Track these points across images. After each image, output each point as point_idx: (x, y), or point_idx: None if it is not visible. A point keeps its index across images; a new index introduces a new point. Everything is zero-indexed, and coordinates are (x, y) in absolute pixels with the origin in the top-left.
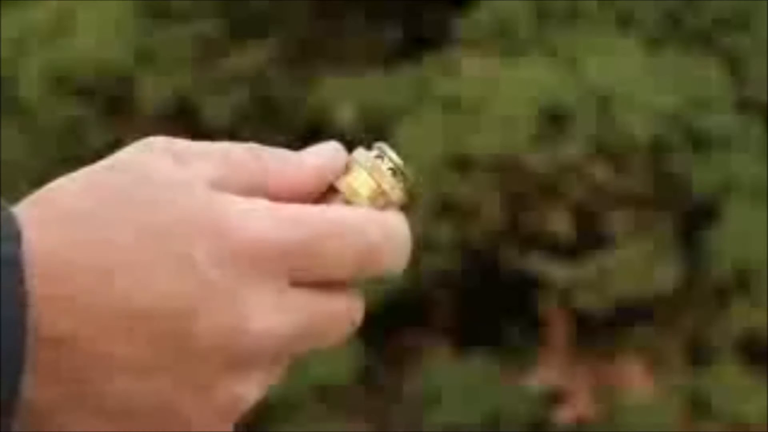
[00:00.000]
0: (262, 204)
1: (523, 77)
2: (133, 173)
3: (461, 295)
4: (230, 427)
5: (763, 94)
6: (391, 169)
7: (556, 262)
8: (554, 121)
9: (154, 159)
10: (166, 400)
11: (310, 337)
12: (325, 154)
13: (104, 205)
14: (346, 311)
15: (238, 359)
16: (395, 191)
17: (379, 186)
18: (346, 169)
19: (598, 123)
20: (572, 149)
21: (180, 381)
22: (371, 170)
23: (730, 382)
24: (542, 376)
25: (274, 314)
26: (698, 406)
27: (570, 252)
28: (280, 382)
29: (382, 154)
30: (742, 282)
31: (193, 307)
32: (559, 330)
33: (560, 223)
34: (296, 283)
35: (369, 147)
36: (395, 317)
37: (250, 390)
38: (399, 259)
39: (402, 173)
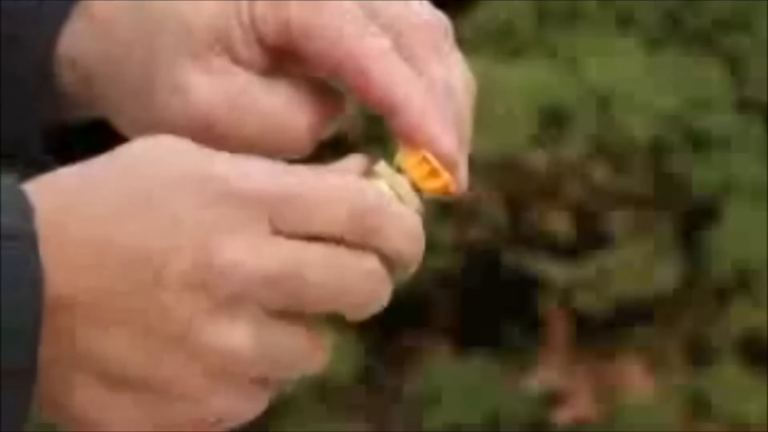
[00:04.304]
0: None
1: (523, 77)
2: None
3: (461, 295)
4: (226, 390)
5: (763, 94)
6: (411, 185)
7: (556, 262)
8: (554, 121)
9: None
10: (153, 364)
11: (286, 281)
12: (350, 171)
13: (100, 172)
14: (327, 263)
15: (212, 299)
16: (413, 201)
17: (398, 194)
18: (366, 177)
19: (598, 123)
20: (572, 149)
21: (161, 336)
22: (392, 183)
23: (730, 382)
24: (542, 377)
25: (244, 251)
26: (698, 406)
27: (570, 252)
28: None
29: (404, 172)
30: (742, 282)
31: (165, 251)
32: (559, 330)
33: (560, 223)
34: (279, 232)
35: (368, 147)
36: (395, 317)
37: (234, 337)
38: (408, 240)
39: (420, 193)
